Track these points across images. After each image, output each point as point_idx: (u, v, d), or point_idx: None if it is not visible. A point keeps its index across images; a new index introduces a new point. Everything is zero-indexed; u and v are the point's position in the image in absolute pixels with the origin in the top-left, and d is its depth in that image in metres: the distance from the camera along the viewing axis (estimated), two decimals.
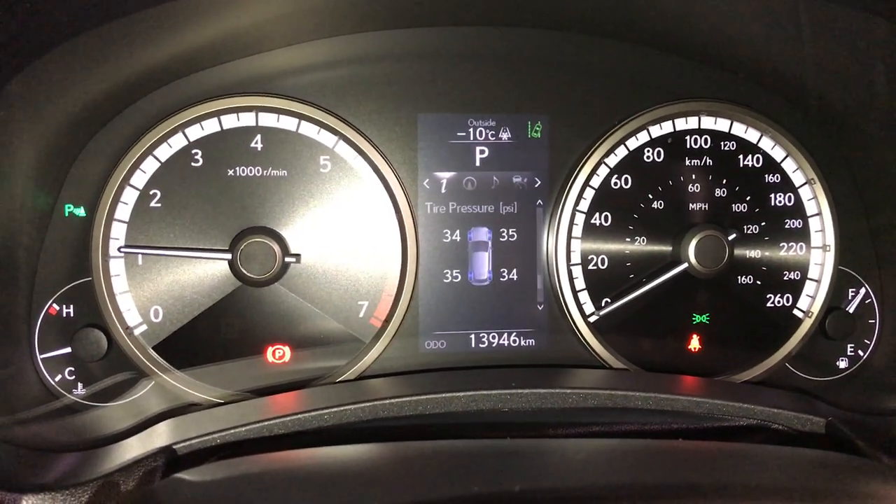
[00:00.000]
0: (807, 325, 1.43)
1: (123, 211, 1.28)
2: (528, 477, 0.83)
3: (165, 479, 0.87)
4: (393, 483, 0.83)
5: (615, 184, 1.39)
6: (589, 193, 1.38)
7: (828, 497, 0.79)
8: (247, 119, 1.30)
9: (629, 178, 1.39)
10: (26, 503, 0.88)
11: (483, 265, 1.39)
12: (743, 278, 1.42)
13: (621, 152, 1.38)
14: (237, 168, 1.30)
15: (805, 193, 1.42)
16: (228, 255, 1.27)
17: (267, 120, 1.31)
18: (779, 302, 1.43)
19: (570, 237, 1.38)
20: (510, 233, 1.39)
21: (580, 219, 1.38)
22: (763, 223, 1.41)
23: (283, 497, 0.80)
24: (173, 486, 0.84)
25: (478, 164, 1.38)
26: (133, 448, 1.01)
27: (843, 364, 1.47)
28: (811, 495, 0.79)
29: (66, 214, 1.28)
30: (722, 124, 1.41)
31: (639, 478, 0.85)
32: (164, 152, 1.29)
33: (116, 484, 0.91)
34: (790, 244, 1.43)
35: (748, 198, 1.41)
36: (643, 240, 1.39)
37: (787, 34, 1.24)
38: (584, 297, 1.39)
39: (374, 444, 0.93)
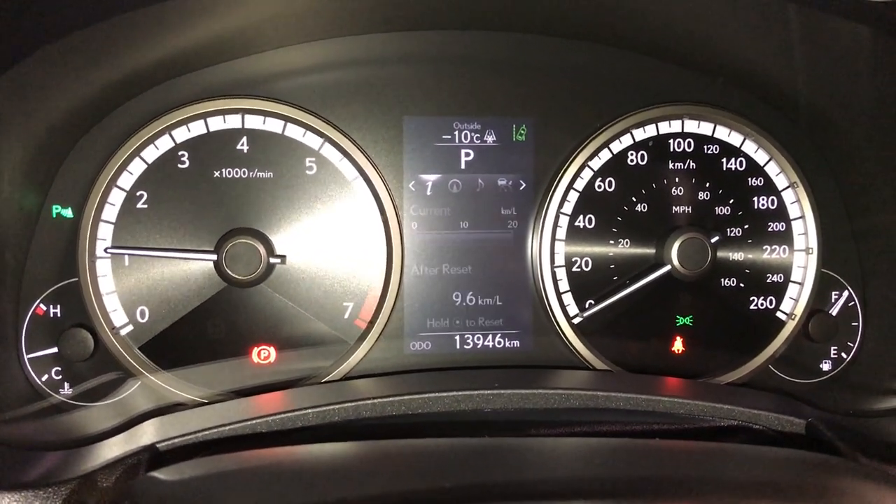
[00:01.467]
0: (790, 327, 1.44)
1: (110, 212, 1.29)
2: (506, 474, 0.83)
3: (145, 475, 0.88)
4: (372, 480, 0.83)
5: (599, 186, 1.40)
6: (573, 196, 1.39)
7: (802, 493, 0.80)
8: (233, 121, 1.31)
9: (613, 180, 1.40)
10: (6, 501, 0.88)
11: (468, 267, 1.39)
12: (726, 280, 1.43)
13: (605, 155, 1.39)
14: (223, 170, 1.31)
15: (788, 196, 1.43)
16: (214, 256, 1.28)
17: (253, 122, 1.31)
18: (762, 304, 1.44)
19: (554, 239, 1.38)
20: (495, 235, 1.40)
21: (564, 221, 1.39)
22: (746, 226, 1.42)
23: (262, 493, 0.81)
24: (153, 482, 0.85)
25: (463, 166, 1.39)
26: (116, 447, 1.01)
27: (826, 366, 1.48)
28: (786, 491, 0.80)
29: (54, 215, 1.29)
30: (705, 127, 1.42)
31: (616, 475, 0.85)
32: (151, 154, 1.29)
33: (96, 481, 0.91)
34: (773, 247, 1.43)
35: (731, 201, 1.42)
36: (627, 242, 1.40)
37: (773, 40, 1.25)
38: (568, 298, 1.40)
39: (354, 443, 0.93)
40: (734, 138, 1.42)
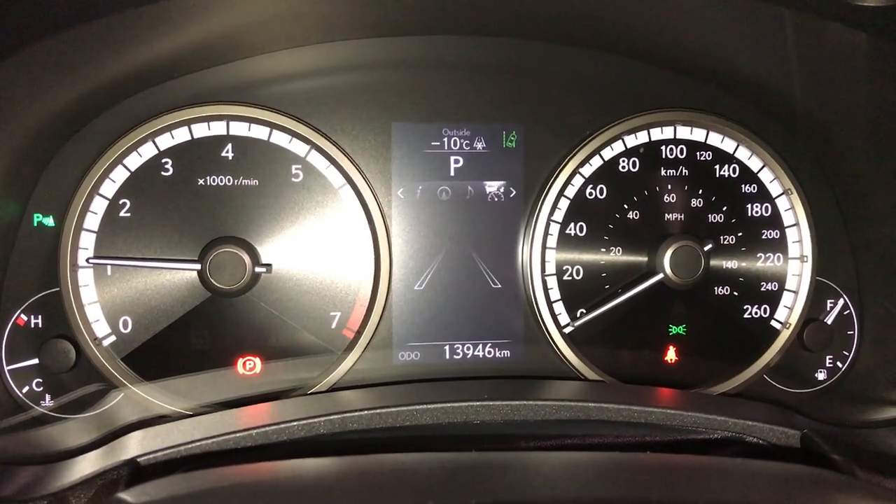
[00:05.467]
0: (784, 336, 1.42)
1: (92, 221, 1.27)
2: (494, 491, 0.81)
3: (124, 491, 0.86)
4: (358, 496, 0.81)
5: (590, 194, 1.38)
6: (564, 203, 1.37)
7: None
8: (217, 128, 1.29)
9: (604, 187, 1.38)
10: None
11: (457, 276, 1.37)
12: (720, 289, 1.41)
13: (596, 162, 1.38)
14: (208, 177, 1.29)
15: (782, 204, 1.42)
16: (198, 266, 1.26)
17: (238, 129, 1.30)
18: (756, 313, 1.42)
19: (544, 247, 1.37)
20: (484, 243, 1.38)
21: (555, 229, 1.37)
22: (740, 233, 1.41)
23: None
24: (132, 498, 0.83)
25: (452, 173, 1.37)
26: (96, 461, 0.99)
27: (821, 376, 1.47)
28: None
29: (35, 224, 1.27)
30: (698, 134, 1.40)
31: (608, 491, 0.84)
32: (134, 161, 1.27)
33: (75, 497, 0.89)
34: (767, 255, 1.42)
35: (724, 208, 1.40)
36: (618, 250, 1.39)
37: (767, 45, 1.24)
38: (559, 307, 1.38)
39: (341, 458, 0.91)
40: (727, 145, 1.41)
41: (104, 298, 1.27)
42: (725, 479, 0.86)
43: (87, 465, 0.98)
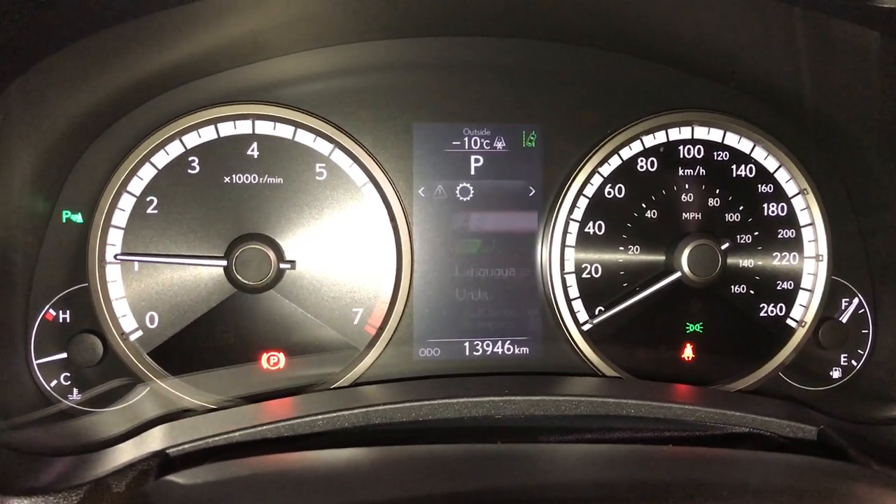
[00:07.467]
0: (800, 334, 1.43)
1: (120, 217, 1.29)
2: (517, 480, 0.83)
3: (157, 480, 0.88)
4: (383, 485, 0.83)
5: (609, 193, 1.39)
6: (583, 202, 1.39)
7: (815, 499, 0.79)
8: (243, 127, 1.31)
9: (623, 187, 1.40)
10: None
11: (477, 274, 1.39)
12: (736, 287, 1.42)
13: (615, 162, 1.39)
14: (233, 175, 1.31)
15: (798, 203, 1.43)
16: (224, 262, 1.28)
17: (263, 128, 1.31)
18: (772, 311, 1.43)
19: (563, 246, 1.38)
20: (504, 241, 1.39)
21: (574, 227, 1.39)
22: (756, 233, 1.42)
23: (274, 499, 0.81)
24: (165, 487, 0.85)
25: (472, 172, 1.39)
26: (126, 452, 1.01)
27: (836, 374, 1.48)
28: (798, 496, 0.79)
29: (64, 220, 1.29)
30: (715, 134, 1.41)
31: (630, 481, 0.85)
32: (162, 159, 1.29)
33: (108, 486, 0.91)
34: (783, 254, 1.43)
35: (741, 207, 1.42)
36: (636, 249, 1.40)
37: (781, 46, 1.25)
38: (578, 305, 1.39)
39: (365, 448, 0.93)
40: (744, 145, 1.42)
41: (131, 294, 1.29)
42: (747, 469, 0.88)
43: (118, 456, 1.00)
